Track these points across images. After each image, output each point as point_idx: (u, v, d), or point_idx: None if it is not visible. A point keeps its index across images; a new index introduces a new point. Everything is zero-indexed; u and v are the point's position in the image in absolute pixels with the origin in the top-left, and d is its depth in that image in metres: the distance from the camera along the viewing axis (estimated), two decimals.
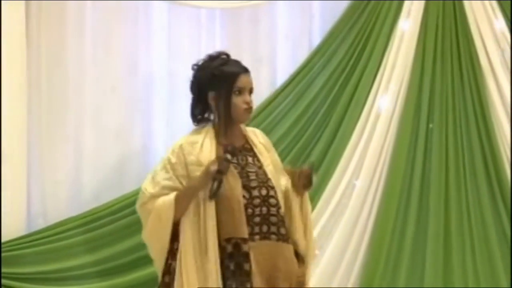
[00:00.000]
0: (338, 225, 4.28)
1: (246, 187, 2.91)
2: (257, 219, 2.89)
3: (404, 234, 4.31)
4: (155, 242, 2.94)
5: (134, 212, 3.82)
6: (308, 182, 2.94)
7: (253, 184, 2.90)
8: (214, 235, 2.85)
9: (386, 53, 4.39)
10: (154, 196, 2.90)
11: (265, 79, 4.40)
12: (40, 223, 4.09)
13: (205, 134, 2.94)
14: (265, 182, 2.93)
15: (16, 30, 4.00)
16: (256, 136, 3.04)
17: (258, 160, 2.96)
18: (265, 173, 2.93)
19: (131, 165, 4.22)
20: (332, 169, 4.22)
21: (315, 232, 3.88)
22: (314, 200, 3.99)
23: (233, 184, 2.88)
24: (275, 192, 2.94)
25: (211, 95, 2.91)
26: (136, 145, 4.22)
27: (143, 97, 4.25)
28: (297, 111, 4.32)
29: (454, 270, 4.27)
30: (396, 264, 4.29)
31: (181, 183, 2.88)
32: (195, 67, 2.96)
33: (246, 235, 2.87)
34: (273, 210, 2.92)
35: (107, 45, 4.23)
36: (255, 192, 2.91)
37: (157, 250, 2.93)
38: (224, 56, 2.96)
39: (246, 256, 2.86)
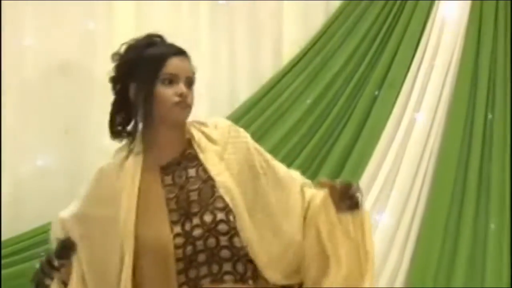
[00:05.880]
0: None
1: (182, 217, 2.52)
2: (201, 257, 2.50)
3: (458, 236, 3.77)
4: None
5: None
6: (352, 202, 2.54)
7: (194, 209, 2.52)
8: None
9: (431, 18, 3.80)
10: None
11: (267, 55, 3.85)
12: None
13: (131, 150, 2.57)
14: (209, 203, 2.53)
15: None
16: (212, 132, 2.61)
17: (205, 171, 2.58)
18: (211, 189, 2.54)
19: (85, 173, 3.34)
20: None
21: None
22: None
23: (154, 223, 2.46)
24: (227, 213, 2.51)
25: (132, 87, 2.55)
26: (91, 144, 3.55)
27: (102, 82, 3.45)
28: (310, 95, 3.76)
29: None
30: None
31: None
32: (116, 56, 2.61)
33: None
34: (223, 240, 2.51)
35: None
36: (196, 220, 2.51)
37: None
38: (156, 38, 2.62)
39: None
